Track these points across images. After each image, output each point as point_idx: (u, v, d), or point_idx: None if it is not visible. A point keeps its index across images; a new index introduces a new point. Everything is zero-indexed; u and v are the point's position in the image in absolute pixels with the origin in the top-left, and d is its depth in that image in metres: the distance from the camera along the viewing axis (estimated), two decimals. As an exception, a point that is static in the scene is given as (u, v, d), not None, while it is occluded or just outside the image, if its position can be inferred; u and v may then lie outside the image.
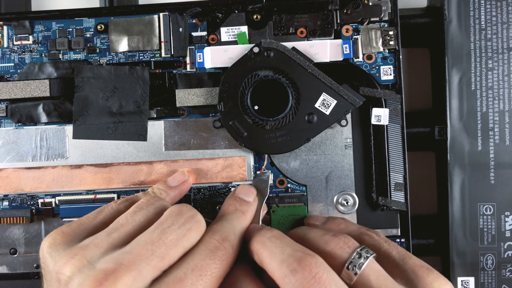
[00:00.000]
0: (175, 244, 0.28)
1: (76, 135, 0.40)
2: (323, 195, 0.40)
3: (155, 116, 0.40)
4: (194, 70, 0.40)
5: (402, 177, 0.39)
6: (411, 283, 0.30)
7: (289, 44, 0.39)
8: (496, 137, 0.40)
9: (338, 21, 0.39)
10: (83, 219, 0.31)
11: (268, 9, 0.40)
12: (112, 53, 0.40)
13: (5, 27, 0.41)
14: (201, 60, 0.40)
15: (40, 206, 0.41)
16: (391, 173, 0.39)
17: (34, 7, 0.47)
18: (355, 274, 0.29)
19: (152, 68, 0.40)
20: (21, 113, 0.40)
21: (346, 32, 0.39)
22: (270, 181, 0.39)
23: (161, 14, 0.39)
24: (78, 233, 0.30)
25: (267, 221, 0.39)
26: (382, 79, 0.39)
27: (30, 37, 0.41)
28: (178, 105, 0.40)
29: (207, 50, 0.40)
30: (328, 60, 0.39)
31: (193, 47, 0.40)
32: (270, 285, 0.30)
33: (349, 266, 0.29)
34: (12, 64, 0.41)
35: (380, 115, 0.39)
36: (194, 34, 0.40)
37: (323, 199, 0.40)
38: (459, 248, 0.41)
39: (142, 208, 0.31)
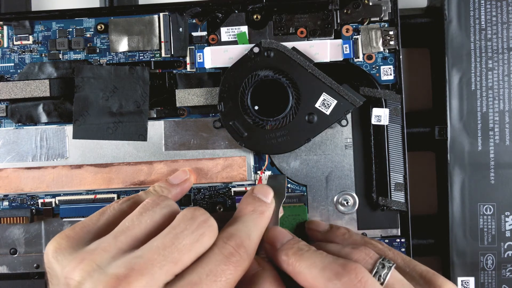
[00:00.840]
0: (189, 249, 0.28)
1: (76, 135, 0.40)
2: (323, 195, 0.40)
3: (155, 116, 0.40)
4: (194, 70, 0.40)
5: (402, 177, 0.39)
6: None
7: (289, 44, 0.39)
8: (496, 137, 0.40)
9: (338, 21, 0.39)
10: (86, 222, 0.31)
11: (268, 9, 0.40)
12: (112, 53, 0.40)
13: (5, 27, 0.41)
14: (201, 60, 0.40)
15: (40, 206, 0.41)
16: (391, 173, 0.39)
17: (34, 7, 0.47)
18: (381, 284, 0.30)
19: (152, 68, 0.40)
20: (21, 113, 0.40)
21: (346, 32, 0.39)
22: (286, 184, 0.39)
23: (161, 14, 0.39)
24: (83, 236, 0.30)
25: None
26: (382, 79, 0.39)
27: (30, 37, 0.41)
28: (178, 105, 0.40)
29: (207, 50, 0.40)
30: (328, 60, 0.39)
31: (193, 47, 0.40)
32: None
33: (375, 277, 0.30)
34: (12, 64, 0.41)
35: (380, 115, 0.39)
36: (194, 34, 0.40)
37: (323, 199, 0.40)
38: (459, 248, 0.41)
39: (148, 209, 0.31)
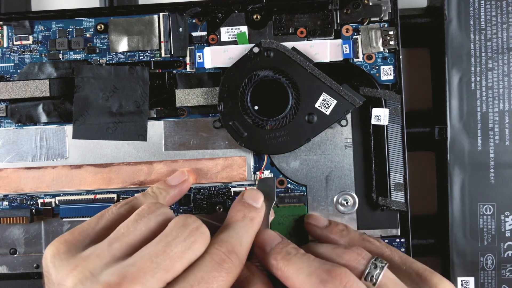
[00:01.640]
0: (180, 256, 0.28)
1: (76, 135, 0.40)
2: (323, 195, 0.40)
3: (155, 116, 0.40)
4: (194, 70, 0.40)
5: (402, 177, 0.39)
6: (418, 286, 0.31)
7: (289, 44, 0.39)
8: (496, 137, 0.40)
9: (338, 21, 0.39)
10: (84, 226, 0.31)
11: (268, 9, 0.39)
12: (112, 53, 0.40)
13: (5, 27, 0.41)
14: (201, 60, 0.40)
15: (40, 206, 0.41)
16: (391, 173, 0.39)
17: (34, 7, 0.47)
18: (374, 284, 0.30)
19: (152, 68, 0.40)
20: (21, 113, 0.40)
21: (346, 32, 0.39)
22: (275, 186, 0.39)
23: (161, 14, 0.39)
24: (81, 240, 0.30)
25: (267, 221, 0.39)
26: (382, 79, 0.39)
27: (30, 37, 0.41)
28: (178, 105, 0.40)
29: (207, 50, 0.40)
30: (328, 60, 0.39)
31: (193, 47, 0.40)
32: None
33: (367, 277, 0.30)
34: (12, 64, 0.41)
35: (380, 115, 0.39)
36: (194, 34, 0.40)
37: (323, 199, 0.40)
38: (459, 248, 0.41)
39: (143, 216, 0.31)
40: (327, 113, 0.38)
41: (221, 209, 0.40)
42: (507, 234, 0.40)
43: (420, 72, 0.46)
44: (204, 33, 0.40)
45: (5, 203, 0.41)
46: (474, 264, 0.41)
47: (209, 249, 0.30)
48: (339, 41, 0.39)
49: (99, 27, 0.40)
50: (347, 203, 0.40)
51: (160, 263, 0.27)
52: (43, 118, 0.40)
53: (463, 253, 0.41)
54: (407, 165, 0.39)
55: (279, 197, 0.40)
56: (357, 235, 0.36)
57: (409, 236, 0.39)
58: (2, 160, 0.40)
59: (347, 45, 0.39)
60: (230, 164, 0.39)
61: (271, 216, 0.36)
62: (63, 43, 0.40)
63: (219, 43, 0.40)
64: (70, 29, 0.41)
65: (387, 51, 0.39)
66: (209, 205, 0.40)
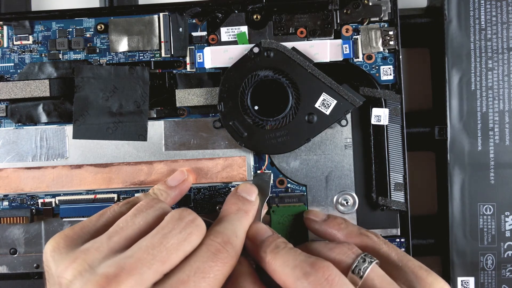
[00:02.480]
0: (176, 248, 0.29)
1: (76, 135, 0.40)
2: (323, 195, 0.40)
3: (155, 116, 0.40)
4: (194, 70, 0.40)
5: (402, 177, 0.39)
6: (411, 284, 0.31)
7: (289, 44, 0.39)
8: (496, 137, 0.40)
9: (338, 21, 0.39)
10: (85, 222, 0.32)
11: (268, 9, 0.39)
12: (112, 53, 0.40)
13: (5, 27, 0.41)
14: (201, 60, 0.40)
15: (40, 206, 0.41)
16: (391, 173, 0.39)
17: (34, 7, 0.47)
18: (360, 277, 0.30)
19: (152, 68, 0.40)
20: (21, 113, 0.40)
21: (346, 32, 0.39)
22: (271, 181, 0.39)
23: (161, 14, 0.39)
24: (81, 236, 0.31)
25: (267, 221, 0.39)
26: (382, 79, 0.39)
27: (30, 37, 0.41)
28: (178, 105, 0.40)
29: (207, 50, 0.40)
30: (328, 60, 0.39)
31: (193, 47, 0.40)
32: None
33: (354, 270, 0.30)
34: (12, 64, 0.41)
35: (380, 115, 0.39)
36: (194, 34, 0.40)
37: (323, 199, 0.40)
38: (459, 248, 0.41)
39: (141, 210, 0.31)
40: (327, 113, 0.38)
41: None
42: (507, 234, 0.40)
43: (420, 72, 0.46)
44: (204, 33, 0.40)
45: (5, 203, 0.41)
46: (474, 264, 0.41)
47: (205, 240, 0.30)
48: (339, 41, 0.39)
49: (99, 27, 0.40)
50: (347, 203, 0.40)
51: (157, 255, 0.28)
52: (43, 118, 0.40)
53: (463, 253, 0.41)
54: (407, 165, 0.39)
55: (279, 197, 0.40)
56: (356, 229, 0.36)
57: (409, 236, 0.39)
58: (2, 160, 0.40)
59: (347, 45, 0.39)
60: (230, 164, 0.39)
61: (264, 210, 0.37)
62: (63, 43, 0.40)
63: (219, 43, 0.40)
64: (70, 29, 0.41)
65: (387, 51, 0.39)
66: (209, 205, 0.40)
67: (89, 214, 0.39)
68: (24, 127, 0.41)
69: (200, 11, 0.40)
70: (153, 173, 0.40)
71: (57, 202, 0.40)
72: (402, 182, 0.39)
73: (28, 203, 0.41)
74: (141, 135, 0.40)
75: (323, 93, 0.38)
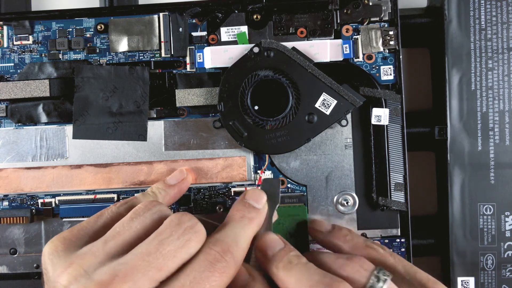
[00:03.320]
0: (173, 255, 0.28)
1: (76, 135, 0.40)
2: (323, 195, 0.40)
3: (155, 116, 0.40)
4: (194, 70, 0.40)
5: (402, 177, 0.39)
6: None
7: (289, 44, 0.39)
8: (496, 137, 0.40)
9: (338, 21, 0.39)
10: (84, 224, 0.31)
11: (268, 9, 0.39)
12: (112, 53, 0.40)
13: (5, 27, 0.41)
14: (201, 60, 0.40)
15: (40, 206, 0.41)
16: (391, 173, 0.39)
17: (34, 7, 0.47)
18: None
19: (152, 68, 0.40)
20: (21, 113, 0.40)
21: (346, 32, 0.39)
22: (280, 188, 0.38)
23: (161, 14, 0.39)
24: (80, 238, 0.30)
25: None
26: (382, 79, 0.39)
27: (30, 37, 0.41)
28: (178, 105, 0.40)
29: (207, 50, 0.40)
30: (328, 60, 0.39)
31: (193, 47, 0.40)
32: None
33: None
34: (12, 64, 0.41)
35: (380, 115, 0.39)
36: (194, 34, 0.40)
37: (323, 199, 0.40)
38: (459, 248, 0.41)
39: (139, 214, 0.31)
40: (327, 113, 0.38)
41: (221, 209, 0.40)
42: (507, 234, 0.40)
43: (420, 72, 0.46)
44: (204, 33, 0.40)
45: (5, 203, 0.41)
46: (474, 264, 0.40)
47: (203, 248, 0.29)
48: (339, 41, 0.39)
49: (99, 27, 0.40)
50: (347, 203, 0.40)
51: (153, 262, 0.27)
52: (43, 118, 0.40)
53: (463, 253, 0.41)
54: (407, 165, 0.39)
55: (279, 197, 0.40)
56: (361, 241, 0.35)
57: (409, 236, 0.39)
58: (2, 160, 0.40)
59: (347, 45, 0.39)
60: (230, 164, 0.39)
61: (274, 218, 0.35)
62: (63, 43, 0.40)
63: (219, 43, 0.40)
64: (70, 29, 0.41)
65: (387, 51, 0.39)
66: (209, 205, 0.40)
67: (89, 214, 0.39)
68: (24, 127, 0.41)
69: (200, 11, 0.40)
70: (153, 173, 0.40)
71: (57, 202, 0.40)
72: (402, 182, 0.39)
73: (28, 203, 0.41)
74: (141, 135, 0.40)
75: (323, 93, 0.38)
